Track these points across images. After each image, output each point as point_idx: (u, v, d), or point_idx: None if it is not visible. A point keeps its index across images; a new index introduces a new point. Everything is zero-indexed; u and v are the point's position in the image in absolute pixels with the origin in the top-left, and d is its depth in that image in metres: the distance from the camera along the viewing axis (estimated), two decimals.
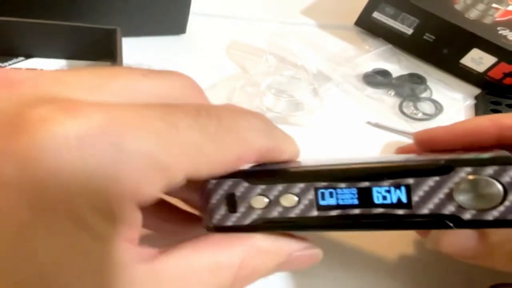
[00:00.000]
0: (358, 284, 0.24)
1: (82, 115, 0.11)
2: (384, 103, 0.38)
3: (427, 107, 0.38)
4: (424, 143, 0.23)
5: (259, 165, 0.19)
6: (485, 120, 0.20)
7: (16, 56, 0.34)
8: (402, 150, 0.26)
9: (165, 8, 0.37)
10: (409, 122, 0.36)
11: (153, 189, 0.13)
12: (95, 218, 0.11)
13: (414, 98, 0.38)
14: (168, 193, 0.20)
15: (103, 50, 0.33)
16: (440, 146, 0.22)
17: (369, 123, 0.36)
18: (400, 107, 0.38)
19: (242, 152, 0.15)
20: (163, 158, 0.13)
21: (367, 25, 0.45)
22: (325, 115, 0.35)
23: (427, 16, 0.41)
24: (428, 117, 0.37)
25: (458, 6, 0.41)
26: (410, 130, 0.35)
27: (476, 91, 0.41)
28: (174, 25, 0.39)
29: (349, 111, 0.37)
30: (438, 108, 0.38)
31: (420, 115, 0.37)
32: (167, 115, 0.13)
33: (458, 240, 0.20)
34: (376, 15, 0.44)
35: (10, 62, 0.34)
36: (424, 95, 0.39)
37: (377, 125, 0.36)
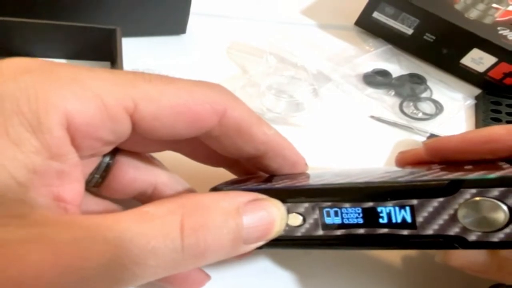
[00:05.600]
0: (358, 284, 0.24)
1: (22, 59, 0.14)
2: (384, 103, 0.38)
3: (427, 107, 0.38)
4: (435, 152, 0.22)
5: (265, 183, 0.19)
6: (500, 129, 0.19)
7: (16, 56, 0.34)
8: (404, 154, 0.25)
9: (165, 8, 0.37)
10: (409, 122, 0.36)
11: (85, 112, 0.14)
12: (21, 125, 0.13)
13: (414, 98, 0.38)
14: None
15: (103, 50, 0.33)
16: (452, 156, 0.21)
17: (372, 117, 0.36)
18: (400, 107, 0.38)
19: (191, 100, 0.16)
20: (91, 83, 0.14)
21: (367, 25, 0.45)
22: (325, 115, 0.35)
23: (427, 16, 0.40)
24: (428, 117, 0.37)
25: (458, 6, 0.41)
26: (414, 126, 0.35)
27: (476, 91, 0.41)
28: (174, 25, 0.39)
29: (349, 111, 0.37)
30: (438, 108, 0.38)
31: (420, 115, 0.37)
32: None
33: (467, 255, 0.20)
34: (376, 15, 0.43)
35: None
36: (424, 95, 0.39)
37: (379, 119, 0.36)
